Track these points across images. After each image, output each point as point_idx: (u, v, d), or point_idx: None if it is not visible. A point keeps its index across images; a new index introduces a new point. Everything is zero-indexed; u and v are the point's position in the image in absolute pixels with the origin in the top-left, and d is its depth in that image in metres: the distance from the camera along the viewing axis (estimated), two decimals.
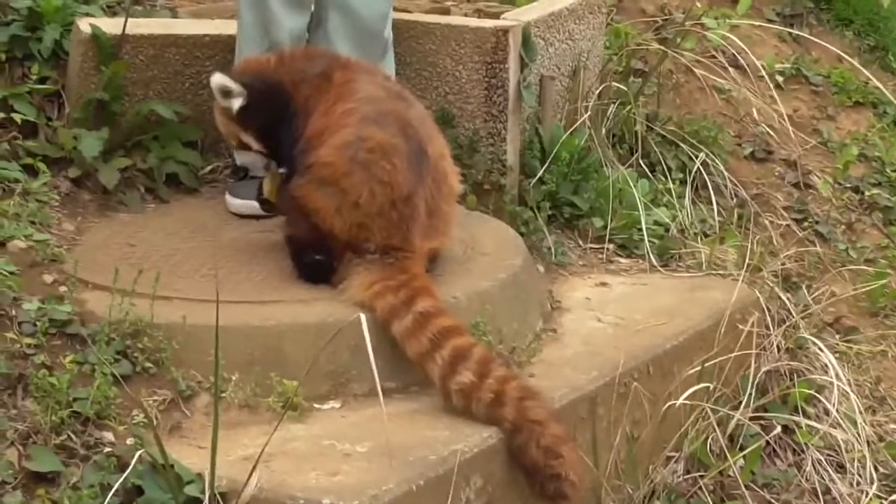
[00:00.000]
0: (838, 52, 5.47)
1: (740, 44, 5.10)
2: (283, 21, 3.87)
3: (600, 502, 3.37)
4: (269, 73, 3.60)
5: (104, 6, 4.23)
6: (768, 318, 3.97)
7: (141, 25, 4.02)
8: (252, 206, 3.79)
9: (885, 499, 3.76)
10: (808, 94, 5.57)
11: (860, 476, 3.78)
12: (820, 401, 3.91)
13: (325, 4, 3.96)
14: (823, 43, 5.54)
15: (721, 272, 4.15)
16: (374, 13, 3.95)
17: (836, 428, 3.82)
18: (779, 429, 3.80)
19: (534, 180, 4.24)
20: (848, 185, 5.22)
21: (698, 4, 5.48)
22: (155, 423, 2.97)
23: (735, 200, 4.78)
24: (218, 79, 3.58)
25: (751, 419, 3.74)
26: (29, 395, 2.98)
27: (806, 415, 3.86)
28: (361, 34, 3.94)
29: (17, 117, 3.84)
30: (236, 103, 3.57)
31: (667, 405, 3.51)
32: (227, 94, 3.57)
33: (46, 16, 4.01)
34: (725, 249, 4.31)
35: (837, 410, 3.84)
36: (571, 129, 4.38)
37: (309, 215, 3.37)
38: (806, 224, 4.93)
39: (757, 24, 5.57)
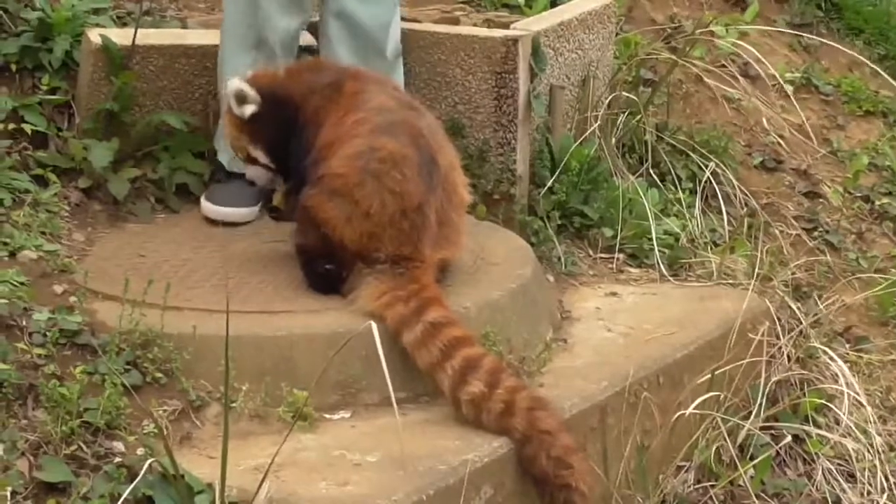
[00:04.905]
0: (854, 55, 5.46)
1: (754, 51, 5.09)
2: (276, 20, 3.85)
3: None
4: (278, 86, 3.60)
5: (114, 17, 4.24)
6: (778, 328, 3.96)
7: (151, 36, 4.03)
8: (228, 213, 3.80)
9: None
10: (818, 103, 5.56)
11: (871, 486, 3.77)
12: (830, 410, 3.90)
13: (326, 12, 3.96)
14: (837, 46, 5.54)
15: (731, 282, 4.15)
16: (375, 23, 3.95)
17: (846, 437, 3.81)
18: (789, 438, 3.80)
19: (543, 190, 4.24)
20: (858, 195, 5.21)
21: (707, 14, 5.48)
22: (165, 433, 2.97)
23: (745, 210, 4.77)
24: (236, 83, 3.57)
25: (761, 429, 3.73)
26: (40, 405, 2.99)
27: (816, 424, 3.86)
28: (362, 43, 3.93)
29: (28, 128, 3.85)
30: (249, 110, 3.57)
31: (677, 415, 3.51)
32: (242, 99, 3.56)
33: (57, 26, 4.02)
34: (735, 259, 4.30)
35: (848, 420, 3.83)
36: (581, 139, 4.38)
37: (320, 225, 3.37)
38: (816, 233, 4.93)
39: (767, 29, 5.56)
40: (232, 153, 3.75)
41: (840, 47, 5.53)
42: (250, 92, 3.55)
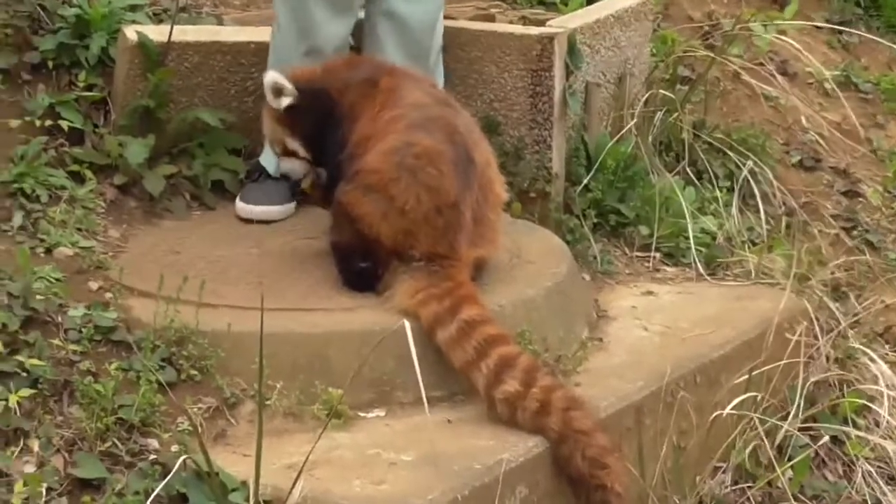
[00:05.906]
0: None
1: (794, 44, 5.05)
2: (325, 26, 3.85)
3: None
4: (315, 80, 3.61)
5: (150, 13, 4.25)
6: (817, 328, 3.93)
7: (187, 33, 4.04)
8: (262, 211, 3.81)
9: None
10: (857, 101, 5.51)
11: None
12: (870, 411, 3.86)
13: (374, 12, 3.95)
14: (881, 40, 5.49)
15: (769, 281, 4.12)
16: (424, 22, 3.95)
17: (887, 439, 3.77)
18: (828, 439, 3.76)
19: (579, 188, 4.22)
20: None
21: (745, 10, 5.44)
22: (199, 430, 2.97)
23: (783, 209, 4.74)
24: (272, 76, 3.58)
25: (799, 430, 3.69)
26: (75, 401, 3.00)
27: (856, 426, 3.82)
28: (411, 43, 3.93)
29: (64, 124, 3.86)
30: (285, 102, 3.57)
31: (714, 415, 3.48)
32: (278, 92, 3.57)
33: (93, 23, 4.03)
34: (773, 258, 4.27)
35: (888, 422, 3.79)
36: (617, 137, 4.36)
37: (355, 221, 3.36)
38: (855, 233, 4.89)
39: (805, 25, 5.52)
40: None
41: (883, 41, 5.48)
42: (287, 84, 3.56)
